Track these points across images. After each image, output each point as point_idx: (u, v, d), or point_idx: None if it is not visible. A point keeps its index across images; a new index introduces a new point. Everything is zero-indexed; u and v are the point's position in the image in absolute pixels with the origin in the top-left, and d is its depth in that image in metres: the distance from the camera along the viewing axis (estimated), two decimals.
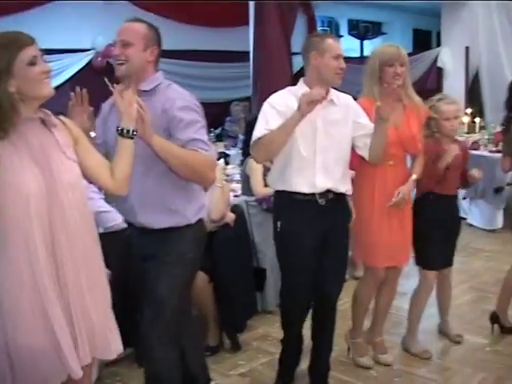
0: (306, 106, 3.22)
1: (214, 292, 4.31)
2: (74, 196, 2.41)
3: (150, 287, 3.06)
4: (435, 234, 4.13)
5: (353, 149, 3.68)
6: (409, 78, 3.90)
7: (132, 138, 2.67)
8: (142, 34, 2.98)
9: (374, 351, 4.29)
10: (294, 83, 3.68)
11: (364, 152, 3.65)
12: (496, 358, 4.32)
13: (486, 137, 8.45)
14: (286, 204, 3.58)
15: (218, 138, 9.27)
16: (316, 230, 3.51)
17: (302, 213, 3.51)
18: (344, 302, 4.50)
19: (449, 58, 10.80)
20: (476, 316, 4.75)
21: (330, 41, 3.49)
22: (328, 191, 3.52)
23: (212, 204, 4.37)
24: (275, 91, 3.61)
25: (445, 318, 4.62)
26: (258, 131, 3.41)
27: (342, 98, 3.61)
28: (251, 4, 8.46)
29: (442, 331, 4.63)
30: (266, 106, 3.50)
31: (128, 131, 2.65)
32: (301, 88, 3.50)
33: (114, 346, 2.59)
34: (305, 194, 3.49)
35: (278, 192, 3.64)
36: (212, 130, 8.85)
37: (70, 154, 2.45)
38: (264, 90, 9.43)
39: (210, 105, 10.91)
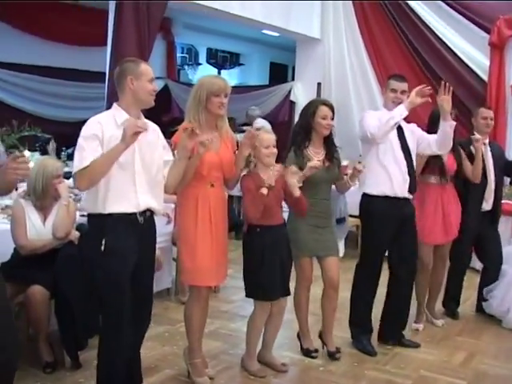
0: (131, 137, 3.41)
1: (55, 309, 4.27)
2: None
3: None
4: (267, 264, 4.25)
5: None
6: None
7: None
8: None
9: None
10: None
11: None
12: (329, 377, 4.53)
13: None
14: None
15: (70, 158, 9.12)
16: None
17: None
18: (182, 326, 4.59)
19: (301, 92, 11.20)
20: (312, 339, 4.93)
21: (144, 66, 3.69)
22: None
23: (58, 221, 4.39)
24: None
25: (269, 349, 4.64)
26: (82, 160, 3.52)
27: (150, 123, 3.79)
28: (110, 25, 8.43)
29: (266, 362, 4.61)
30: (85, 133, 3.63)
31: None
32: (118, 112, 3.66)
33: None
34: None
35: None
36: (64, 149, 8.72)
37: None
38: None
39: (63, 124, 10.87)
